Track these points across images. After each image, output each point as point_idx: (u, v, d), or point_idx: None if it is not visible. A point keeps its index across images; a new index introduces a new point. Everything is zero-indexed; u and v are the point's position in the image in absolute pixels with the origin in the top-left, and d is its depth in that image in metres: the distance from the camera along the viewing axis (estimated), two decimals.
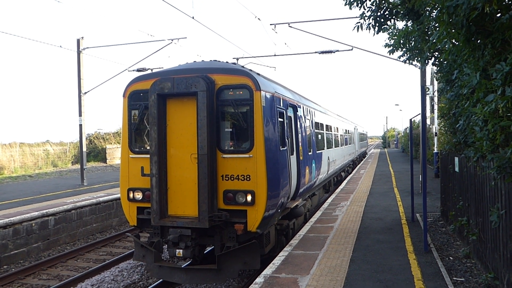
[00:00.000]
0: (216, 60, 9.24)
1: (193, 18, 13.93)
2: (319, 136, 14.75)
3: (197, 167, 7.65)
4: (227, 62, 9.24)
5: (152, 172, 7.88)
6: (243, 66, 8.81)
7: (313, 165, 12.48)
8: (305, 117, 11.98)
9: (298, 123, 10.78)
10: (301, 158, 10.51)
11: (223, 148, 7.95)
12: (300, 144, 10.59)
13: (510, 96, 4.88)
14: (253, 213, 7.68)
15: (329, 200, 15.40)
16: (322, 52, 20.09)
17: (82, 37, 21.60)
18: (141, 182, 8.31)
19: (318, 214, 12.56)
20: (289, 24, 18.29)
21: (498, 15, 5.59)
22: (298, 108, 10.98)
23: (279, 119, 8.77)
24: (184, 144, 8.05)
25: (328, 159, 16.07)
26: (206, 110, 7.58)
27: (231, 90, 7.90)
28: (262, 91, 7.82)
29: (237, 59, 21.55)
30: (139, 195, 8.39)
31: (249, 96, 7.77)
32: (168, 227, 7.94)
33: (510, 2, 5.09)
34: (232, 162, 7.83)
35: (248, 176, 7.71)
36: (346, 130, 25.83)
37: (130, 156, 8.56)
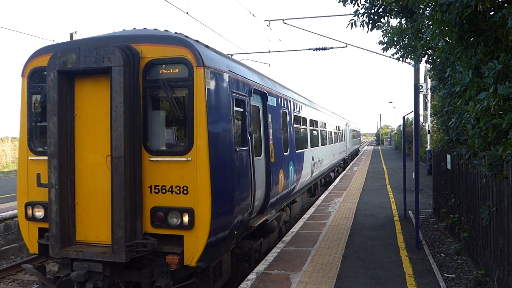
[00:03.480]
0: (155, 30, 6.97)
1: (187, 13, 13.84)
2: (301, 132, 12.57)
3: (111, 175, 5.62)
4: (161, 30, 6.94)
5: (50, 182, 5.74)
6: (187, 36, 6.32)
7: (291, 167, 10.35)
8: (280, 109, 9.71)
9: (269, 115, 8.62)
10: (272, 160, 8.40)
11: (151, 147, 5.88)
12: (271, 142, 8.53)
13: (502, 94, 4.92)
14: (191, 240, 5.66)
15: (322, 197, 15.44)
16: (316, 49, 20.09)
17: (76, 31, 21.37)
18: (43, 195, 6.04)
19: (311, 210, 12.60)
20: (283, 20, 18.25)
21: (491, 13, 5.62)
22: (270, 97, 8.81)
23: (237, 109, 6.82)
24: (98, 142, 5.95)
25: (313, 159, 13.96)
26: (123, 93, 5.55)
27: (164, 66, 5.85)
28: (206, 68, 5.80)
29: (232, 55, 21.50)
30: (40, 212, 6.20)
31: (188, 75, 5.73)
32: (73, 260, 5.82)
33: (503, 0, 5.12)
34: (164, 167, 5.79)
35: (185, 188, 5.70)
36: (336, 126, 23.59)
37: (30, 158, 6.30)
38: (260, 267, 7.27)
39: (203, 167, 5.69)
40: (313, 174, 14.15)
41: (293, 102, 11.56)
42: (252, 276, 6.85)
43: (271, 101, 8.95)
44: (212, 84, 5.94)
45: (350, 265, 7.28)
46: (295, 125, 11.55)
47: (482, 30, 5.79)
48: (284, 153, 9.68)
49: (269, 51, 21.34)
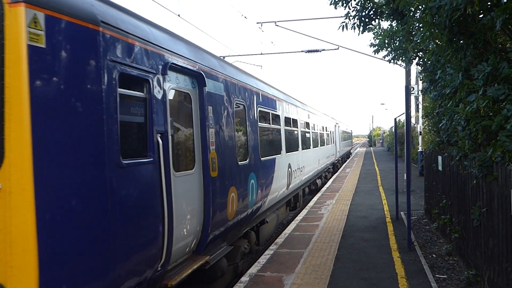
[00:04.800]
0: None
1: (179, 16, 13.83)
2: (271, 134, 10.03)
3: None
4: None
5: None
6: None
7: (252, 181, 7.88)
8: (232, 101, 7.07)
9: (211, 108, 6.03)
10: (213, 174, 5.93)
11: None
12: (212, 148, 5.94)
13: (491, 96, 4.98)
14: None
15: (315, 198, 15.47)
16: (309, 51, 20.20)
17: None
18: None
19: (304, 212, 12.62)
20: (275, 22, 18.33)
21: (480, 16, 5.69)
22: (212, 81, 6.17)
23: (129, 92, 4.32)
24: None
25: (289, 167, 11.55)
26: None
27: None
28: (31, 7, 3.22)
29: (224, 57, 21.51)
30: None
31: None
32: None
33: (491, 3, 5.19)
34: None
35: None
36: (323, 126, 21.12)
37: None
38: (253, 269, 7.26)
39: (23, 201, 3.09)
40: (291, 186, 11.80)
41: (258, 94, 8.84)
42: (245, 278, 6.84)
43: (214, 88, 6.33)
44: (49, 40, 3.30)
45: (342, 266, 7.30)
46: (262, 124, 9.04)
47: (472, 32, 5.86)
48: (240, 163, 7.22)
49: (261, 53, 21.42)
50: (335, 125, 29.05)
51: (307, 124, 16.00)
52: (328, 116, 26.44)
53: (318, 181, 19.40)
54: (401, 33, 9.64)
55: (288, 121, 12.08)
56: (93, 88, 3.73)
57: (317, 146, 18.42)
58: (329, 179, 23.29)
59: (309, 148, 15.87)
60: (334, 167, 28.21)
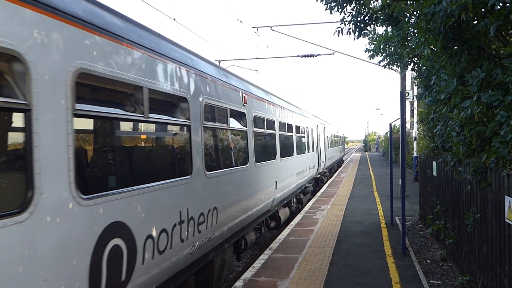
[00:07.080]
0: None
1: (174, 20, 13.83)
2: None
3: None
4: None
5: None
6: None
7: None
8: None
9: None
10: None
11: None
12: None
13: (485, 102, 5.00)
14: None
15: (310, 203, 15.45)
16: (304, 56, 20.26)
17: None
18: None
19: (298, 217, 12.60)
20: (271, 27, 18.37)
21: (474, 22, 5.72)
22: None
23: None
24: None
25: (148, 237, 4.43)
26: None
27: None
28: None
29: (219, 61, 21.52)
30: None
31: None
32: None
33: (485, 10, 5.22)
34: None
35: None
36: (292, 125, 13.93)
37: None
38: (247, 274, 7.23)
39: None
40: (148, 278, 4.52)
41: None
42: (239, 283, 6.81)
43: None
44: None
45: (337, 271, 7.28)
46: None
47: (466, 39, 5.89)
48: None
49: (257, 58, 21.43)
50: (319, 126, 22.00)
51: (254, 120, 9.25)
52: (306, 112, 19.14)
53: (283, 213, 12.38)
54: (396, 38, 9.69)
55: (167, 107, 5.51)
56: None
57: (274, 158, 11.10)
58: (305, 204, 16.65)
59: (245, 165, 8.39)
60: (318, 182, 21.68)
